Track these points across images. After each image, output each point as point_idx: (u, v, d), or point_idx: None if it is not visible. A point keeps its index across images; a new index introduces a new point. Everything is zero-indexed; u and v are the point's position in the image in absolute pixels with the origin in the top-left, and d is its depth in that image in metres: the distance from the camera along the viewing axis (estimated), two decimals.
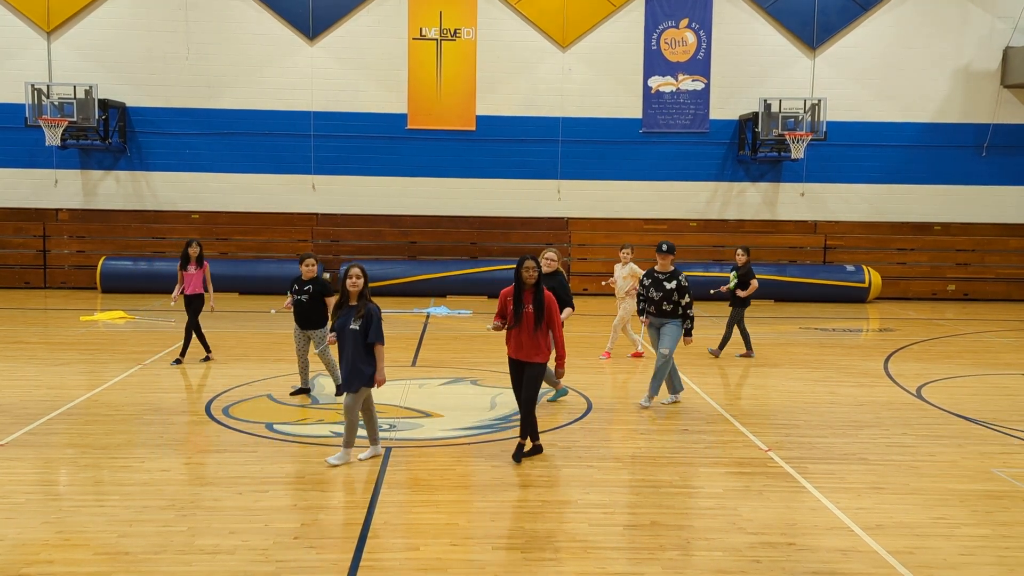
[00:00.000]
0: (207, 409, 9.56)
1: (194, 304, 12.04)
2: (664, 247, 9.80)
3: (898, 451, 8.34)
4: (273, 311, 10.55)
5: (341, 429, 8.75)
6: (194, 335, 12.11)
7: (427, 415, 9.45)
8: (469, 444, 8.34)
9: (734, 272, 13.21)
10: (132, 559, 5.60)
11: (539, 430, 8.89)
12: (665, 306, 9.74)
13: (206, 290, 12.20)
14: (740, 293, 13.06)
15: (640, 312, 10.07)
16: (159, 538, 5.92)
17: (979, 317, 19.10)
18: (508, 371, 8.02)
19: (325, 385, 10.67)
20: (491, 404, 9.97)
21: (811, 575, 5.56)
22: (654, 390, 9.97)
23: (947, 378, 12.01)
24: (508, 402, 10.03)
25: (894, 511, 6.71)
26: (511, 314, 7.74)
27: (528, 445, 7.94)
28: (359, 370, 7.52)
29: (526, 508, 6.67)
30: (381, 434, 8.62)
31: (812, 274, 21.39)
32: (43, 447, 8.04)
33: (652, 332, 10.03)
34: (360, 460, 7.69)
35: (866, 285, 21.14)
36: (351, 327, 7.47)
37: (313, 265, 10.14)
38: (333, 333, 7.64)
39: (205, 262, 12.21)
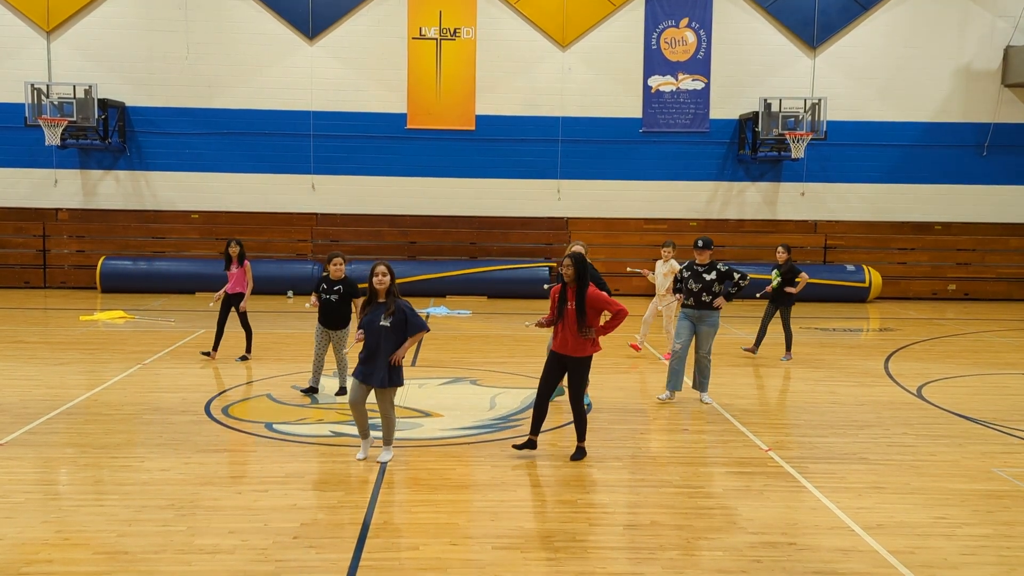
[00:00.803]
0: (207, 409, 9.55)
1: (235, 301, 12.14)
2: (700, 243, 10.08)
3: (899, 451, 8.33)
4: (290, 296, 10.43)
5: (341, 429, 8.76)
6: (223, 329, 12.27)
7: (427, 415, 9.44)
8: (469, 444, 8.32)
9: (776, 271, 13.04)
10: (131, 558, 5.58)
11: (543, 429, 8.89)
12: (704, 297, 9.95)
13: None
14: (790, 290, 12.91)
15: (676, 291, 10.30)
16: (159, 538, 5.91)
17: (980, 317, 19.09)
18: (547, 365, 7.98)
19: (326, 385, 10.66)
20: (491, 404, 9.96)
21: (812, 575, 5.55)
22: (703, 387, 10.24)
23: (948, 378, 12.00)
24: (507, 402, 10.03)
25: (895, 511, 6.70)
26: (555, 310, 7.84)
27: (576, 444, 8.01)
28: (391, 373, 7.51)
29: (526, 508, 6.66)
30: (381, 433, 8.62)
31: (812, 274, 21.23)
32: (43, 446, 8.03)
33: (686, 323, 10.10)
34: (379, 460, 7.67)
35: (866, 285, 21.13)
36: (381, 323, 7.43)
37: (342, 265, 10.09)
38: (361, 331, 7.53)
39: (246, 260, 12.27)
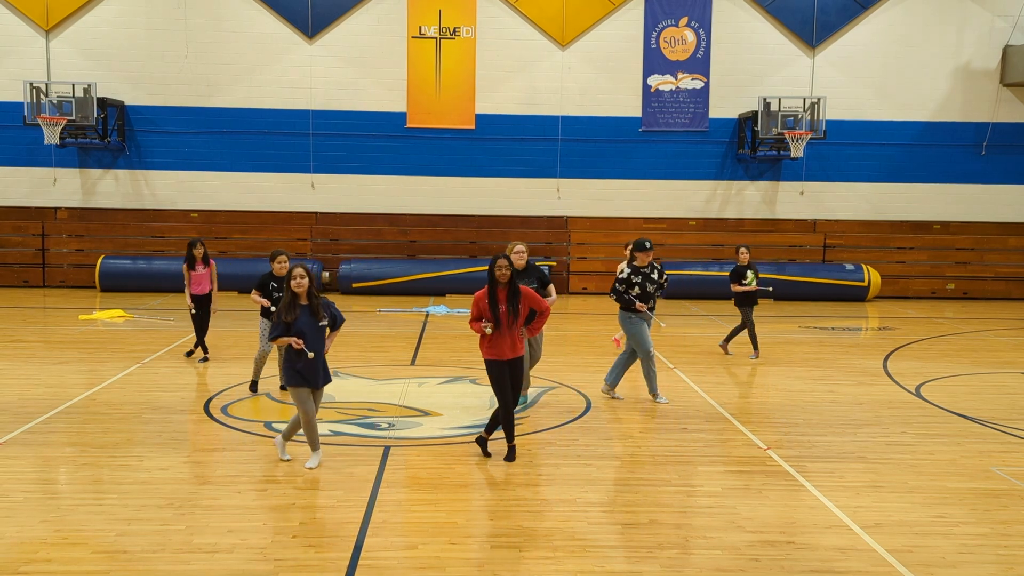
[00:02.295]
0: (206, 408, 9.55)
1: (206, 301, 12.15)
2: (648, 245, 10.11)
3: (897, 450, 8.33)
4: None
5: (340, 428, 8.76)
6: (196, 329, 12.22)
7: (426, 414, 9.44)
8: (468, 443, 8.32)
9: (751, 272, 12.91)
10: (130, 557, 5.59)
11: (540, 428, 8.90)
12: (656, 297, 10.31)
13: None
14: (741, 289, 12.90)
15: (628, 304, 9.95)
16: (158, 537, 5.92)
17: (978, 316, 19.10)
18: (491, 375, 7.82)
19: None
20: (490, 403, 9.94)
21: (810, 573, 5.55)
22: (655, 385, 10.19)
23: (946, 377, 12.01)
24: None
25: (893, 509, 6.70)
26: (488, 316, 7.70)
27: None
28: (327, 370, 7.53)
29: (524, 506, 6.66)
30: (380, 432, 8.63)
31: (811, 273, 21.39)
32: (42, 446, 8.03)
33: (642, 327, 10.05)
34: (284, 459, 7.63)
35: (865, 284, 21.13)
36: (320, 324, 7.37)
37: (286, 262, 10.08)
38: (294, 339, 7.21)
39: (212, 261, 12.24)
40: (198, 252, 12.08)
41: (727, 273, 13.55)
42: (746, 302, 13.00)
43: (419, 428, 8.86)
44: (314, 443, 7.56)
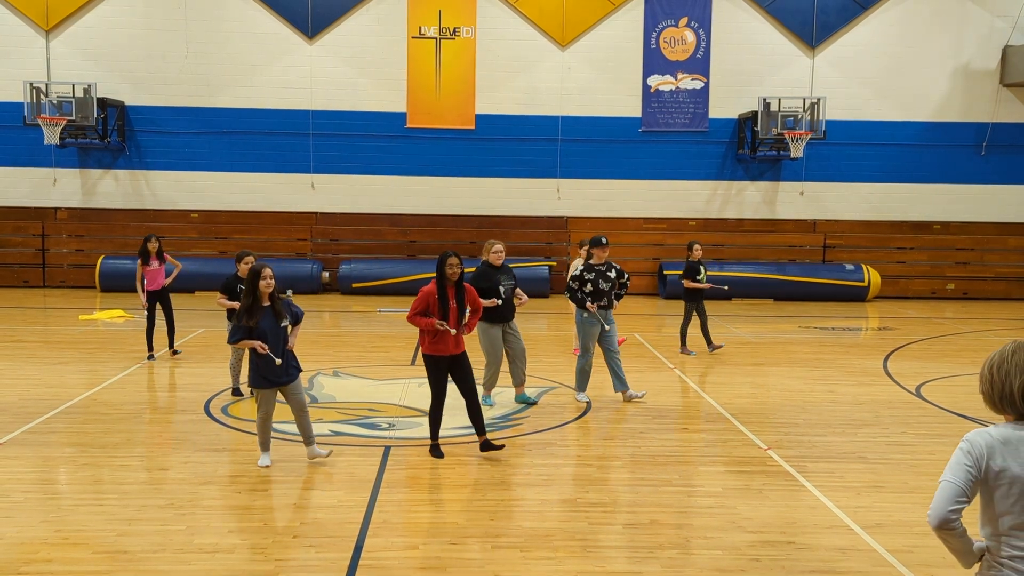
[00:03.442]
0: (206, 408, 9.55)
1: (163, 296, 12.24)
2: (604, 241, 9.93)
3: (897, 450, 8.34)
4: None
5: (341, 428, 8.77)
6: (148, 326, 12.22)
7: (426, 414, 9.42)
8: (468, 443, 8.32)
9: (703, 268, 13.18)
10: (131, 558, 5.59)
11: (540, 429, 8.90)
12: (612, 296, 9.97)
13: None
14: (696, 285, 13.04)
15: (580, 303, 9.86)
16: (158, 537, 5.92)
17: (978, 316, 19.10)
18: (432, 371, 7.91)
19: (325, 384, 10.65)
20: (490, 403, 9.95)
21: (810, 573, 5.56)
22: (626, 384, 10.07)
23: (946, 377, 12.01)
24: (506, 401, 10.04)
25: (893, 510, 6.71)
26: (437, 312, 7.76)
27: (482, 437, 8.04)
28: (295, 361, 7.54)
29: (525, 507, 6.66)
30: (380, 432, 8.64)
31: (811, 273, 21.39)
32: (42, 446, 8.03)
33: (594, 327, 9.89)
34: (318, 455, 7.63)
35: (865, 284, 21.14)
36: (283, 325, 7.36)
37: (252, 263, 10.03)
38: (259, 343, 7.18)
39: (166, 255, 12.29)
40: (152, 246, 12.05)
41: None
42: (696, 297, 13.17)
43: (419, 428, 8.85)
44: (265, 443, 7.56)
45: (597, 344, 10.04)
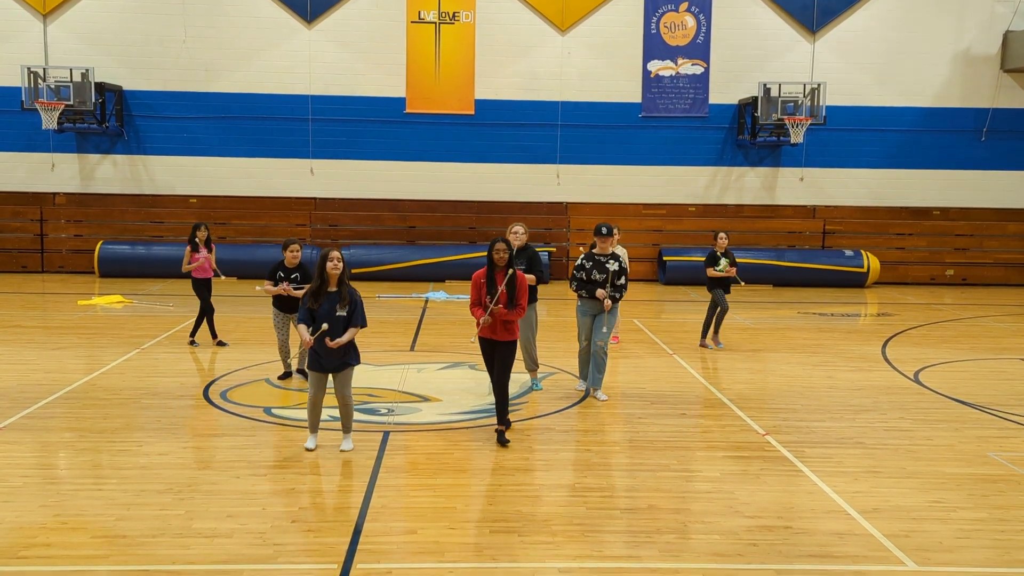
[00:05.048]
0: (205, 393, 9.56)
1: (206, 285, 12.31)
2: (604, 230, 9.46)
3: (895, 435, 8.35)
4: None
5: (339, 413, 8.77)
6: (209, 314, 12.35)
7: (425, 399, 9.45)
8: (467, 428, 8.34)
9: (725, 259, 12.66)
10: (130, 542, 5.60)
11: (539, 414, 8.92)
12: (609, 291, 9.36)
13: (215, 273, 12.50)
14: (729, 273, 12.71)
15: (577, 290, 9.59)
16: (157, 521, 5.93)
17: (977, 302, 19.11)
18: (485, 353, 8.14)
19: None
20: (489, 389, 9.95)
21: (807, 558, 5.57)
22: (598, 383, 9.58)
23: (945, 362, 12.02)
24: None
25: (890, 495, 6.72)
26: (485, 298, 7.86)
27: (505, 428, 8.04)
28: (347, 354, 7.48)
29: (524, 491, 6.68)
30: (379, 418, 8.65)
31: (810, 259, 21.38)
32: (41, 431, 8.05)
33: (585, 318, 9.55)
34: (341, 449, 7.57)
35: (864, 270, 21.14)
36: (338, 314, 7.35)
37: (298, 251, 10.10)
38: (319, 326, 7.26)
39: (213, 245, 12.41)
40: (201, 235, 12.21)
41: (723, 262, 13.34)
42: (717, 286, 12.74)
43: (418, 414, 8.87)
44: (312, 426, 7.63)
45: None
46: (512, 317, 7.90)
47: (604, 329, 9.45)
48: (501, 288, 7.80)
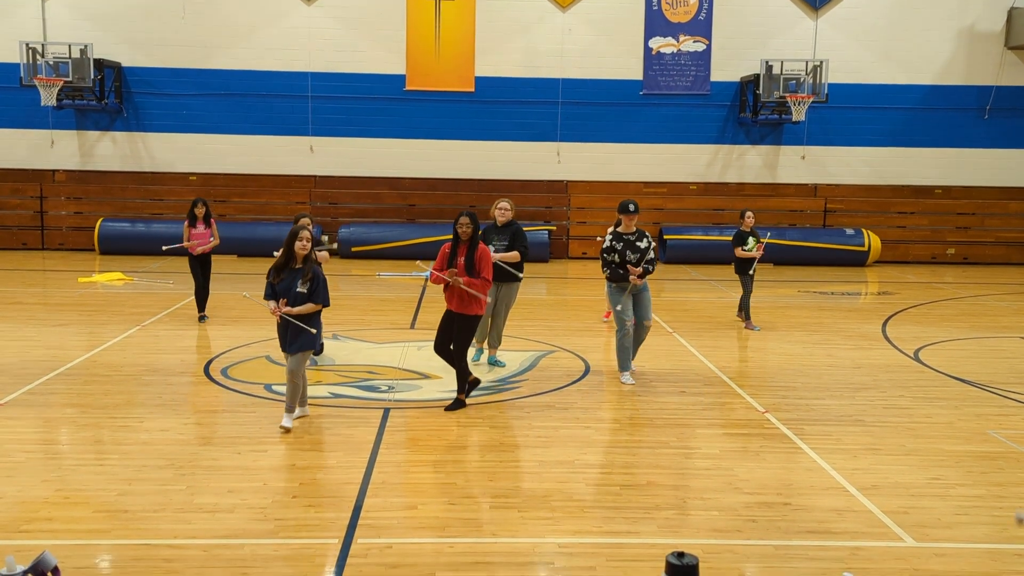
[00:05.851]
0: (206, 370, 9.58)
1: (205, 260, 12.31)
2: (632, 207, 9.27)
3: (895, 413, 8.37)
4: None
5: (339, 390, 8.80)
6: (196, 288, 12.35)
7: (425, 377, 9.47)
8: (467, 405, 8.35)
9: (753, 238, 12.54)
10: (131, 517, 5.63)
11: (539, 392, 8.94)
12: (642, 267, 9.25)
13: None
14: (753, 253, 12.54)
15: (616, 276, 9.30)
16: (158, 497, 5.96)
17: (978, 280, 19.10)
18: (441, 322, 8.40)
19: (324, 347, 10.66)
20: (489, 367, 9.98)
21: (806, 534, 5.60)
22: (627, 364, 9.53)
23: (945, 341, 12.03)
24: (507, 364, 10.05)
25: (889, 472, 6.74)
26: (445, 267, 8.15)
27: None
28: (304, 332, 7.37)
29: (523, 468, 6.70)
30: (380, 395, 8.67)
31: (812, 237, 21.34)
32: (42, 407, 8.07)
33: (624, 297, 9.35)
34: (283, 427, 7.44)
35: (865, 249, 21.11)
36: (298, 290, 7.27)
37: (309, 240, 10.02)
38: (278, 301, 7.27)
39: (212, 220, 12.39)
40: (199, 211, 12.19)
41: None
42: (743, 268, 12.68)
43: (418, 391, 8.89)
44: (290, 405, 7.54)
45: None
46: (476, 288, 8.01)
47: (649, 309, 9.49)
48: (460, 260, 8.06)
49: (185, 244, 12.20)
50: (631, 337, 9.44)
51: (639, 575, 4.98)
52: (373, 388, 8.96)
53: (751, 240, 12.50)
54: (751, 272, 12.57)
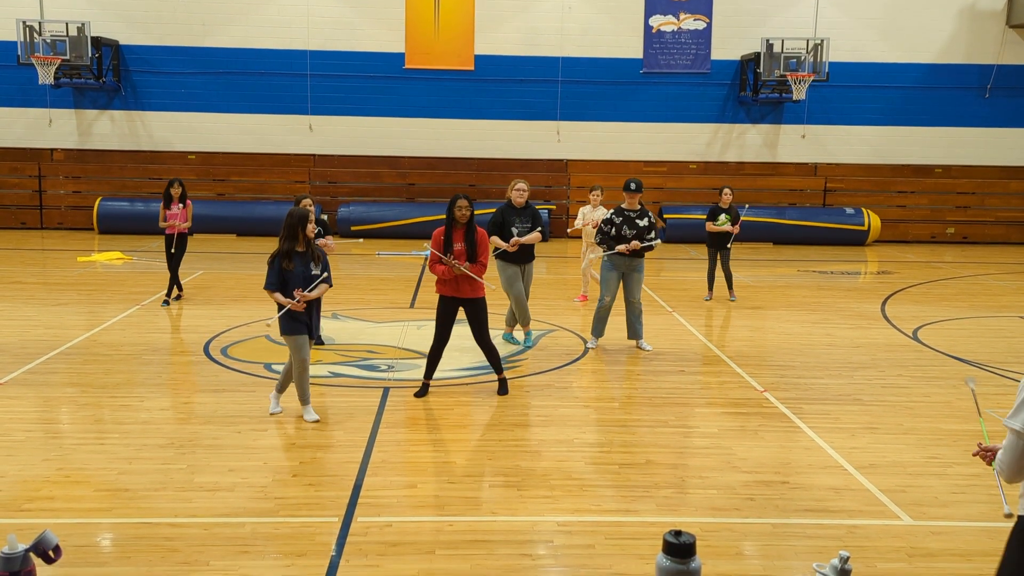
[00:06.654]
0: (205, 349, 9.59)
1: (181, 241, 12.00)
2: (633, 185, 9.53)
3: (893, 392, 8.39)
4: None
5: (339, 370, 8.82)
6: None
7: (425, 356, 9.46)
8: (466, 384, 8.38)
9: (726, 215, 12.75)
10: (132, 495, 5.65)
11: (538, 371, 8.96)
12: (634, 243, 9.48)
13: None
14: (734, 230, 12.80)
15: (603, 241, 9.63)
16: (159, 475, 5.98)
17: (977, 260, 19.10)
18: (437, 311, 8.09)
19: (323, 327, 10.66)
20: (513, 340, 9.99)
21: (804, 512, 5.62)
22: (640, 333, 9.92)
23: (944, 320, 12.05)
24: (506, 344, 10.06)
25: (887, 451, 6.77)
26: (443, 253, 7.80)
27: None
28: (316, 315, 7.40)
29: (523, 447, 6.72)
30: (379, 374, 8.69)
31: (812, 217, 21.32)
32: (43, 386, 8.08)
33: (612, 273, 9.67)
34: (272, 414, 7.36)
35: (865, 228, 21.09)
36: (314, 273, 7.09)
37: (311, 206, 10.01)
38: (286, 287, 6.98)
39: (188, 201, 12.09)
40: (175, 191, 11.85)
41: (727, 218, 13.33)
42: (715, 243, 12.87)
43: (418, 370, 8.89)
44: (304, 396, 7.29)
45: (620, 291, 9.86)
46: (475, 273, 7.83)
47: (637, 289, 9.75)
48: (458, 246, 7.76)
49: (162, 224, 11.97)
50: (608, 310, 9.88)
51: (638, 553, 5.01)
52: (373, 367, 8.98)
53: (723, 216, 12.69)
54: (728, 246, 12.81)
